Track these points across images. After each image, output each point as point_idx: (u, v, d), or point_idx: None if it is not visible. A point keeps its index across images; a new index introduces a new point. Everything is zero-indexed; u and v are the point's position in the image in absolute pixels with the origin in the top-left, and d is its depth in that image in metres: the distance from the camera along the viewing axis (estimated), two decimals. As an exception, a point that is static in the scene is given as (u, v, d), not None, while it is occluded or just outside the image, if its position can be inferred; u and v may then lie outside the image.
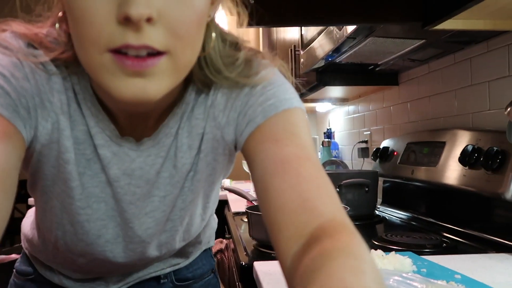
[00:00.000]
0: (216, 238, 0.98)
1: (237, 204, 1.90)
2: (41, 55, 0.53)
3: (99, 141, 0.58)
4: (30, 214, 0.79)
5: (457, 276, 0.81)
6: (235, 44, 0.59)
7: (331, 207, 0.45)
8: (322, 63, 1.61)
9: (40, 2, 0.54)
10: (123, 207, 0.62)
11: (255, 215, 1.10)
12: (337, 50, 1.38)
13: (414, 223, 1.46)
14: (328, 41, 1.39)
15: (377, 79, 1.82)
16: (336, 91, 2.17)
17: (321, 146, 2.60)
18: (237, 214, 1.72)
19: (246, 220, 1.51)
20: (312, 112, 3.31)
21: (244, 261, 0.98)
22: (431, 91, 1.55)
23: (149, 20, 0.42)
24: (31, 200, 2.15)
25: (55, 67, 0.54)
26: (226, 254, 1.50)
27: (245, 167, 2.45)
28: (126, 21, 0.42)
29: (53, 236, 0.66)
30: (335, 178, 1.54)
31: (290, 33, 2.32)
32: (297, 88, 0.63)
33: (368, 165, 2.14)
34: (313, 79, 1.85)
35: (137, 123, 0.58)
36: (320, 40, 1.49)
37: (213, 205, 0.75)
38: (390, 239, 1.15)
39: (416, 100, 1.67)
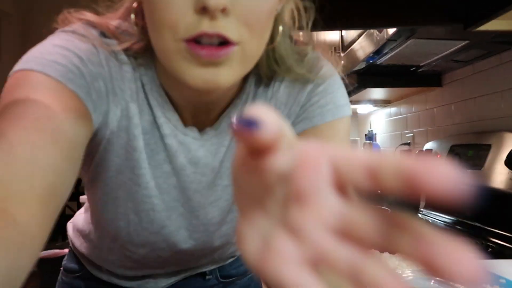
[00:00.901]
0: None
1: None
2: (113, 45, 0.55)
3: (166, 131, 0.59)
4: (81, 212, 0.80)
5: (502, 280, 0.80)
6: (300, 40, 0.61)
7: None
8: (362, 65, 1.61)
9: None
10: (189, 196, 0.63)
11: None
12: (378, 52, 1.37)
13: (459, 227, 1.43)
14: (369, 43, 1.38)
15: (419, 80, 1.79)
16: (377, 92, 2.15)
17: (362, 148, 2.58)
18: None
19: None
20: (352, 114, 3.28)
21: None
22: (476, 93, 1.51)
23: (223, 10, 0.44)
24: (83, 198, 2.23)
25: (127, 56, 0.56)
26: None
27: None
28: (203, 11, 0.44)
29: (114, 228, 0.66)
30: (376, 181, 1.53)
31: (330, 35, 2.32)
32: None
33: (411, 167, 2.11)
34: (353, 81, 1.84)
35: (199, 114, 0.60)
36: (361, 42, 1.48)
37: None
38: (432, 243, 1.14)
39: (460, 101, 1.63)
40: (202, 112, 0.60)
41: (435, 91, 1.84)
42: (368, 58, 1.46)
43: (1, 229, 0.30)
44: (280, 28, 0.56)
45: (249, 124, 0.21)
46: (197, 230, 0.67)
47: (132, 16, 0.54)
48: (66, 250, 0.86)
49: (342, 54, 1.81)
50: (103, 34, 0.55)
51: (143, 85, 0.58)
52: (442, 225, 1.51)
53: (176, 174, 0.62)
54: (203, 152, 0.61)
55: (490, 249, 1.10)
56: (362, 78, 1.79)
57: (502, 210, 1.25)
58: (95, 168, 0.63)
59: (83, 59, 0.52)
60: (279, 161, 0.22)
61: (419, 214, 1.65)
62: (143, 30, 0.53)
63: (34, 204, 0.36)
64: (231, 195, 0.65)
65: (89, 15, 0.57)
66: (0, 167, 0.36)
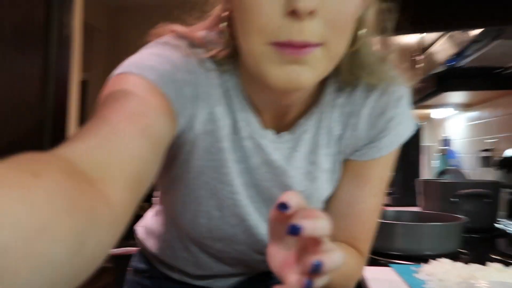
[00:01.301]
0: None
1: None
2: (201, 53, 0.59)
3: (244, 134, 0.63)
4: (150, 216, 0.83)
5: None
6: (381, 44, 0.63)
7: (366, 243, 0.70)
8: (442, 68, 1.55)
9: (196, 9, 0.63)
10: (262, 190, 0.67)
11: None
12: (459, 54, 1.33)
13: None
14: (450, 44, 1.34)
15: (504, 83, 1.69)
16: (455, 96, 2.06)
17: (438, 154, 2.49)
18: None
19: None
20: (426, 119, 3.16)
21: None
22: None
23: (311, 12, 0.47)
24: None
25: (213, 63, 0.60)
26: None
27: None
28: (292, 14, 0.47)
29: (195, 225, 0.70)
30: (452, 188, 1.47)
31: (408, 37, 2.26)
32: (414, 94, 0.69)
33: (491, 175, 2.00)
34: (430, 84, 1.78)
35: (278, 117, 0.64)
36: (441, 44, 1.44)
37: None
38: (511, 254, 1.09)
39: (550, 107, 1.53)
40: (280, 115, 0.64)
41: (522, 95, 1.73)
42: (449, 60, 1.41)
43: (98, 208, 0.33)
44: (363, 31, 0.58)
45: (281, 207, 0.43)
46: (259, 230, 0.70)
47: (224, 24, 0.58)
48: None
49: (419, 57, 1.76)
50: (192, 44, 0.60)
51: (227, 90, 0.62)
52: (523, 237, 1.42)
53: (249, 173, 0.66)
54: (277, 156, 0.65)
55: None
56: (441, 81, 1.72)
57: None
58: (177, 170, 0.67)
59: (175, 66, 0.57)
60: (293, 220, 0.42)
61: (496, 224, 1.57)
62: (231, 37, 0.57)
63: (123, 189, 0.38)
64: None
65: (178, 27, 0.62)
66: (100, 150, 0.39)
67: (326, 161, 0.66)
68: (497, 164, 1.70)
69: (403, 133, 0.67)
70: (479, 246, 1.26)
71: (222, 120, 0.62)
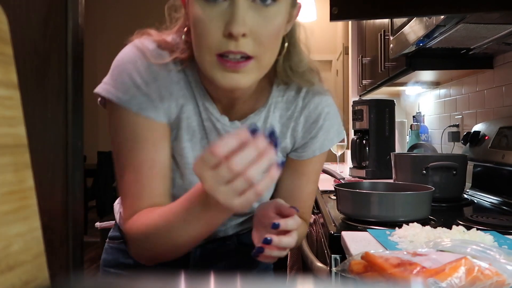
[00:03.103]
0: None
1: (325, 184, 2.00)
2: (166, 55, 0.77)
3: (204, 116, 0.81)
4: None
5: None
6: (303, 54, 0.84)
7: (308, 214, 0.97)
8: (412, 48, 1.64)
9: (168, 20, 0.81)
10: None
11: (343, 191, 1.20)
12: (427, 36, 1.41)
13: (505, 207, 1.46)
14: (419, 27, 1.42)
15: (470, 63, 1.80)
16: (426, 75, 2.16)
17: (410, 129, 2.60)
18: (325, 192, 1.83)
19: (333, 197, 1.61)
20: (400, 96, 3.28)
21: (333, 230, 1.10)
22: (528, 75, 1.52)
23: (243, 35, 0.65)
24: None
25: (174, 64, 0.78)
26: (314, 228, 1.62)
27: (333, 149, 2.54)
28: (230, 35, 0.65)
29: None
30: (422, 161, 1.58)
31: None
32: (387, 73, 0.88)
33: (459, 149, 2.12)
34: (402, 63, 1.87)
35: (230, 107, 0.83)
36: (411, 26, 1.52)
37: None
38: (475, 220, 1.19)
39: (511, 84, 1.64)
40: (230, 107, 0.83)
41: (486, 73, 1.85)
42: (418, 41, 1.49)
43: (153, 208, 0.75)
44: (286, 44, 0.78)
45: (274, 226, 0.72)
46: None
47: (183, 36, 0.77)
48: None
49: (391, 38, 1.85)
50: (160, 46, 0.78)
51: (190, 82, 0.80)
52: (487, 205, 1.54)
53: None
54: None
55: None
56: (411, 60, 1.82)
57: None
58: None
59: (146, 82, 0.75)
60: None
61: (465, 195, 1.69)
62: (190, 44, 0.74)
63: (165, 191, 0.78)
64: None
65: (152, 32, 0.80)
66: (150, 198, 0.77)
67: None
68: (465, 138, 1.82)
69: (332, 138, 0.90)
70: (447, 214, 1.37)
71: (186, 106, 0.80)
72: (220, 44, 0.66)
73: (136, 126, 0.75)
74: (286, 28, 0.75)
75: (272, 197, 0.92)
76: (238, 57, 0.67)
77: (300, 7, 0.78)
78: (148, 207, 0.75)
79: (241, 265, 0.99)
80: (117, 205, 0.99)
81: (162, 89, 0.77)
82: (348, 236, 1.00)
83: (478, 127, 1.78)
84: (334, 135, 0.91)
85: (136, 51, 0.77)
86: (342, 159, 3.26)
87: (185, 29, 0.77)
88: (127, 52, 0.77)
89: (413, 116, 2.85)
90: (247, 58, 0.67)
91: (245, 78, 0.69)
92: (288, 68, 0.82)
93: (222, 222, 0.68)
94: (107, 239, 1.00)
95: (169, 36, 0.80)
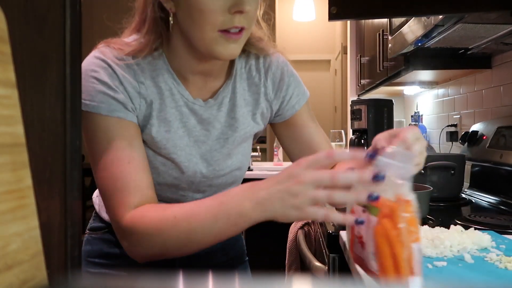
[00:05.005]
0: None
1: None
2: (127, 58, 0.81)
3: (179, 102, 0.85)
4: None
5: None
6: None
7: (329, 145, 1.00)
8: (410, 48, 1.64)
9: (126, 16, 0.85)
10: (199, 146, 0.88)
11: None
12: (426, 36, 1.41)
13: (502, 207, 1.47)
14: (417, 27, 1.42)
15: (468, 62, 1.80)
16: (424, 74, 2.17)
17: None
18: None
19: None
20: (399, 95, 3.28)
21: (331, 230, 1.10)
22: (526, 75, 1.52)
23: (244, 11, 0.74)
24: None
25: (136, 65, 0.81)
26: (312, 227, 1.62)
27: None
28: (239, 12, 0.73)
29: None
30: (421, 160, 1.57)
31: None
32: (385, 72, 0.88)
33: (457, 149, 2.13)
34: (400, 63, 1.88)
35: (203, 88, 0.88)
36: (409, 26, 1.52)
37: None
38: (473, 219, 1.20)
39: (510, 83, 1.64)
40: (204, 85, 0.88)
41: (484, 73, 1.85)
42: (417, 41, 1.49)
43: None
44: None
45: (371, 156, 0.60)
46: (211, 161, 0.90)
47: (144, 31, 0.82)
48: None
49: (390, 37, 1.85)
50: (122, 50, 0.80)
51: (162, 74, 0.84)
52: (485, 204, 1.55)
53: (189, 133, 0.87)
54: (207, 115, 0.88)
55: (531, 227, 1.14)
56: (409, 60, 1.82)
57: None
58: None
59: (112, 87, 0.78)
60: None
61: (463, 194, 1.69)
62: (152, 38, 0.81)
63: (149, 183, 0.80)
64: (229, 143, 0.92)
65: (113, 41, 0.84)
66: (137, 191, 0.77)
67: (245, 116, 0.92)
68: (463, 138, 1.82)
69: (303, 90, 0.99)
70: (445, 213, 1.38)
71: (155, 102, 0.83)
72: (224, 21, 0.74)
73: (108, 126, 0.78)
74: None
75: (295, 159, 0.96)
76: (237, 29, 0.75)
77: None
78: (139, 200, 0.75)
79: (224, 265, 1.03)
80: (96, 198, 1.01)
81: (129, 91, 0.80)
82: (346, 235, 1.00)
83: (476, 126, 1.78)
84: (302, 86, 0.99)
85: (96, 60, 0.80)
86: (340, 158, 3.26)
87: (171, 15, 0.81)
88: (88, 62, 0.80)
89: (411, 116, 2.85)
90: (241, 29, 0.76)
91: (239, 47, 0.78)
92: (254, 41, 0.91)
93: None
94: (87, 230, 1.00)
95: (130, 37, 0.84)
